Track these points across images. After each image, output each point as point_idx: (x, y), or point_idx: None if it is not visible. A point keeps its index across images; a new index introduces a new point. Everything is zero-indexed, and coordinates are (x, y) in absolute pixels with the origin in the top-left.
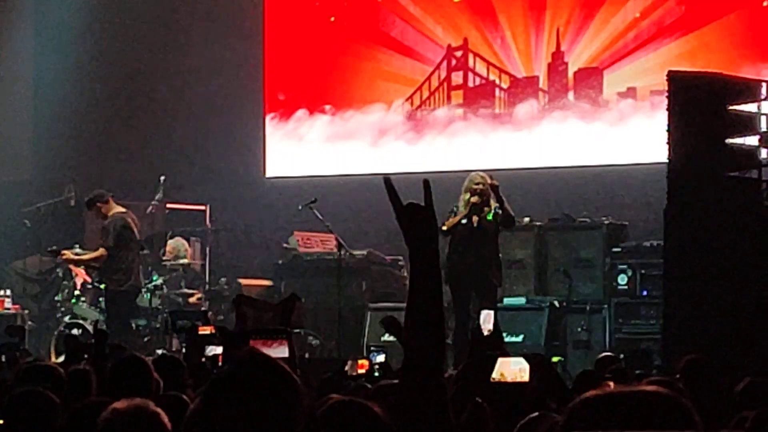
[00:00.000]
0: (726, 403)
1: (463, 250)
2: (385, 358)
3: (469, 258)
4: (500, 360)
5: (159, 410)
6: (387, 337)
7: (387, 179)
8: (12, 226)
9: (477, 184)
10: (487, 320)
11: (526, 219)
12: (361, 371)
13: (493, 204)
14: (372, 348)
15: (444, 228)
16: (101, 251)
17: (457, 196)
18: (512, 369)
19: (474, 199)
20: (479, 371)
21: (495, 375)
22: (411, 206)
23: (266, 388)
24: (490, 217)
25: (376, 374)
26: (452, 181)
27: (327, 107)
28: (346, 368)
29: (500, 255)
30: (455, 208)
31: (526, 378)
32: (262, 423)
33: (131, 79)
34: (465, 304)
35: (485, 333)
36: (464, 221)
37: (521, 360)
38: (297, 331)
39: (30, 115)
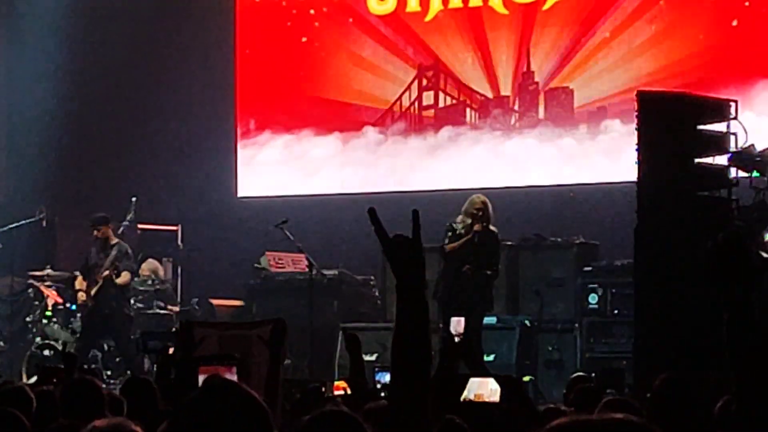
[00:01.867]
0: (699, 421)
1: (459, 271)
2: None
3: (464, 279)
4: (471, 380)
5: (138, 429)
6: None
7: (372, 210)
8: None
9: (478, 209)
10: (457, 326)
11: None
12: (338, 393)
13: (491, 227)
14: (377, 368)
15: (447, 250)
16: (128, 275)
17: (426, 215)
18: (483, 389)
19: (477, 227)
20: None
21: (466, 394)
22: (398, 238)
23: (234, 414)
24: (486, 240)
25: (383, 394)
26: (422, 200)
27: (298, 127)
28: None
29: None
30: (453, 228)
31: (496, 399)
32: None
33: (103, 100)
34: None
35: (456, 339)
36: (465, 247)
37: (492, 381)
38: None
39: (3, 137)
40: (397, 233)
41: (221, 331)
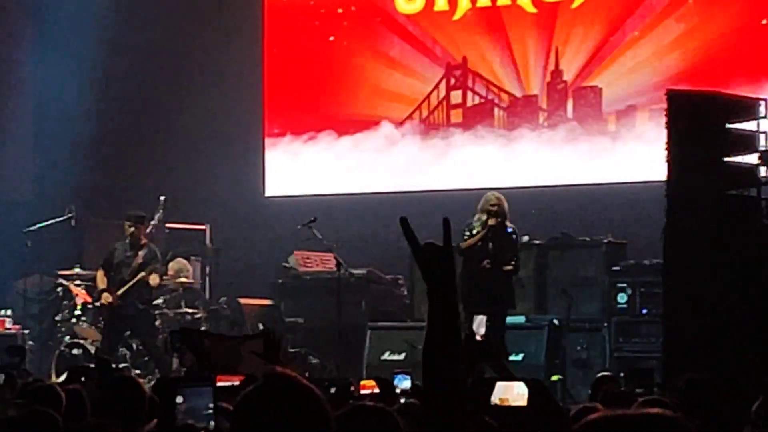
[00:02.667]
0: (726, 421)
1: (477, 268)
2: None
3: (483, 275)
4: (498, 384)
5: None
6: (387, 356)
7: (403, 219)
8: (14, 245)
9: (493, 205)
10: (479, 326)
11: (526, 237)
12: (365, 392)
13: (508, 224)
14: (396, 371)
15: (462, 247)
16: (158, 278)
17: (455, 214)
18: (509, 393)
19: (491, 221)
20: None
21: (494, 399)
22: (429, 246)
23: (293, 406)
24: (504, 236)
25: (402, 400)
26: (451, 200)
27: (326, 126)
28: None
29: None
30: (470, 226)
31: (524, 402)
32: None
33: (131, 100)
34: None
35: (478, 338)
36: (480, 243)
37: (518, 384)
38: (314, 361)
39: (32, 136)
40: (428, 241)
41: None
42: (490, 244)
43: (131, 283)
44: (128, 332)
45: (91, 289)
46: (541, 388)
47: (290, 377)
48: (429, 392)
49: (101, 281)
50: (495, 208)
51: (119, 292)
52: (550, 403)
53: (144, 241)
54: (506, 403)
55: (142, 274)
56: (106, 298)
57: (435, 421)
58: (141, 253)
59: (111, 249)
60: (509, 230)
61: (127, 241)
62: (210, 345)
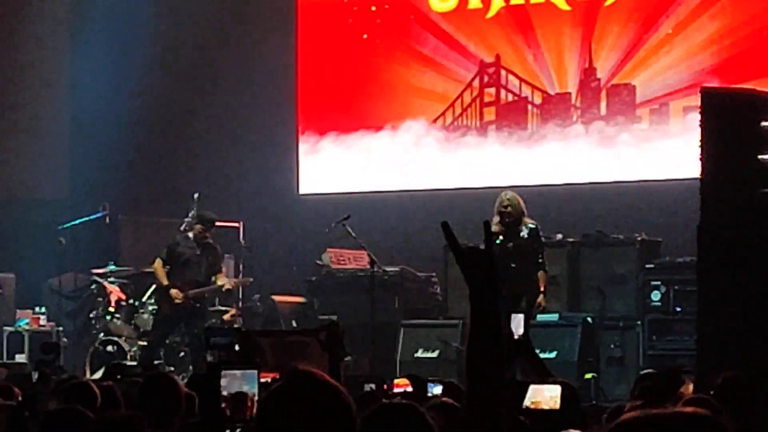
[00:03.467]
0: (764, 421)
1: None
2: (443, 389)
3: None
4: (532, 387)
5: None
6: (420, 354)
7: (445, 223)
8: (48, 244)
9: (506, 206)
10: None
11: (559, 235)
12: (398, 390)
13: (528, 221)
14: (429, 380)
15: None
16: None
17: (488, 213)
18: (544, 396)
19: (495, 227)
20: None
21: (527, 402)
22: (470, 250)
23: (318, 403)
24: (523, 235)
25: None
26: (486, 198)
27: (358, 124)
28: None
29: (540, 273)
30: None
31: (557, 405)
32: None
33: (166, 97)
34: None
35: (516, 337)
36: (498, 241)
37: (549, 387)
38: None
39: (67, 134)
40: (470, 246)
41: (276, 339)
42: (510, 244)
43: (211, 288)
44: (180, 325)
45: (125, 286)
46: (568, 389)
47: (313, 375)
48: (473, 393)
49: (162, 274)
50: (507, 209)
51: (191, 293)
52: (573, 403)
53: (211, 242)
54: (539, 407)
55: (232, 285)
56: (176, 295)
57: (478, 422)
58: (214, 255)
59: (173, 242)
60: (524, 230)
61: (192, 239)
62: (269, 342)
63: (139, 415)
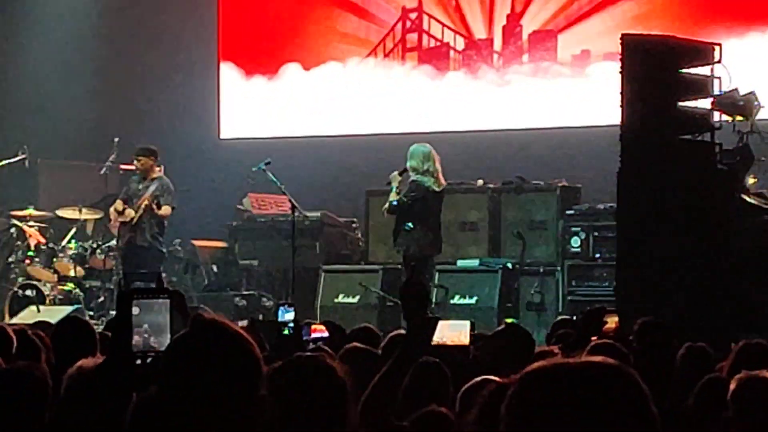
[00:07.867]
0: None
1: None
2: (294, 316)
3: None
4: (441, 323)
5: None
6: (341, 299)
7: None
8: None
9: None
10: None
11: (480, 181)
12: (316, 335)
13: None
14: (282, 303)
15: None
16: (169, 210)
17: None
18: (452, 332)
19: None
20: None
21: (436, 338)
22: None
23: (223, 348)
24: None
25: (285, 332)
26: (405, 142)
27: (281, 68)
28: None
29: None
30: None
31: (466, 341)
32: (223, 386)
33: (84, 42)
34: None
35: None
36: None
37: (462, 323)
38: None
39: None
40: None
41: None
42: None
43: (142, 209)
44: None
45: (44, 230)
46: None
47: (218, 323)
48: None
49: (119, 207)
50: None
51: (134, 218)
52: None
53: (156, 174)
54: (445, 342)
55: (146, 203)
56: (129, 213)
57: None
58: (153, 185)
59: (126, 184)
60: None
61: (138, 174)
62: None
63: (36, 365)
